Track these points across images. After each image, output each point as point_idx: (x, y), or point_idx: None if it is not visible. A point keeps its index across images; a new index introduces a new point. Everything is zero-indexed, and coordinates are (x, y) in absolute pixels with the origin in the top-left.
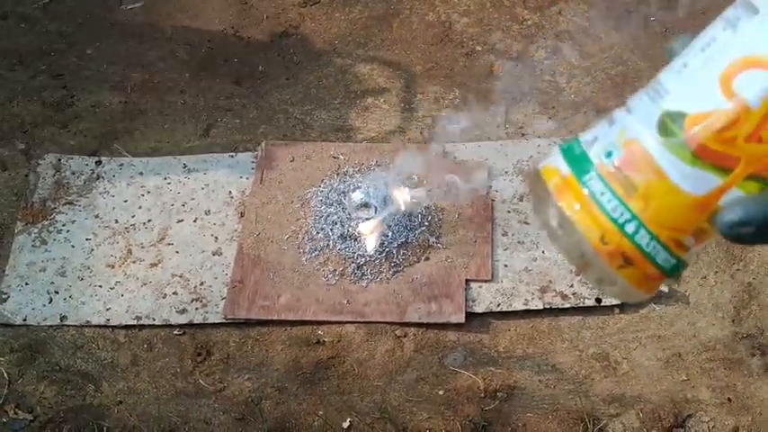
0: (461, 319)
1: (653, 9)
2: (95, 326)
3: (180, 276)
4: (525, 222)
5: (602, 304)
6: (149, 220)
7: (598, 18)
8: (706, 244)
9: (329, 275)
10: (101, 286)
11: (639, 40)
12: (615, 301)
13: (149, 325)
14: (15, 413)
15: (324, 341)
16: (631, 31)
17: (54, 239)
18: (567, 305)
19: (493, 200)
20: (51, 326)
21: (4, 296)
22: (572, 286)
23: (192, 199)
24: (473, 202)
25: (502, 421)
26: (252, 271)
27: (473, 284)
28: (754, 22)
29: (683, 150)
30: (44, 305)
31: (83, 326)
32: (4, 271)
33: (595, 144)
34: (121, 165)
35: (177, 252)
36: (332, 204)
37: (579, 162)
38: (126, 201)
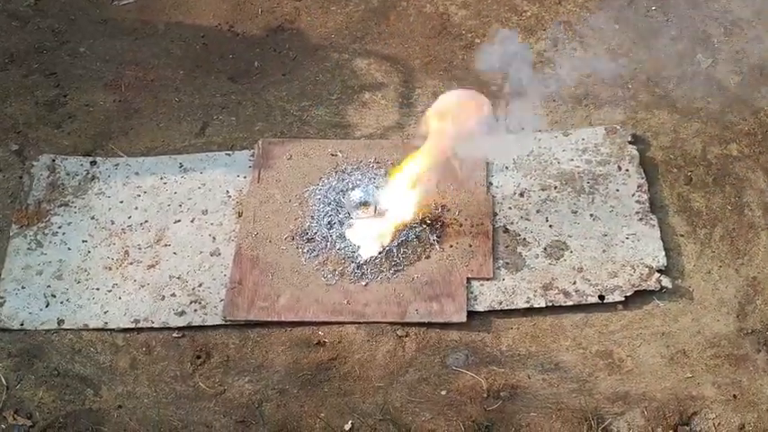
0: (463, 318)
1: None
2: (93, 329)
3: (178, 278)
4: (527, 218)
5: (605, 301)
6: (146, 221)
7: (598, 8)
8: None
9: (329, 275)
10: (98, 289)
11: (640, 31)
12: (618, 298)
13: (148, 328)
14: (14, 419)
15: (324, 342)
16: (632, 21)
17: (50, 242)
18: (570, 302)
19: (493, 196)
20: (49, 330)
21: (0, 300)
22: (575, 283)
23: (189, 199)
24: (473, 199)
25: (505, 421)
26: (251, 272)
27: (474, 283)
28: None
29: None
30: (41, 309)
31: (81, 329)
32: None
33: None
34: (117, 165)
35: (175, 253)
36: (331, 203)
37: None
38: (122, 201)
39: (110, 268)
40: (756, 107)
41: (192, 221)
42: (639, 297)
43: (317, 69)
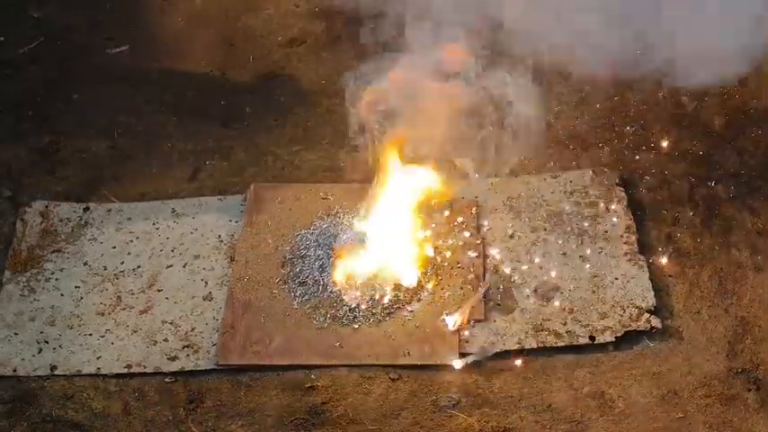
0: (455, 359)
1: (639, 45)
2: (86, 375)
3: (170, 323)
4: (517, 260)
5: (596, 342)
6: (138, 267)
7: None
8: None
9: (321, 319)
10: (91, 335)
11: (625, 72)
12: (609, 339)
13: (140, 373)
14: None
15: (317, 386)
16: (617, 63)
17: (43, 288)
18: (561, 343)
19: (484, 238)
20: (41, 376)
21: None
22: (565, 324)
23: (182, 244)
24: (464, 241)
25: None
26: (243, 316)
27: None
28: None
29: None
30: (33, 355)
31: (73, 375)
32: None
33: None
34: (109, 210)
35: (167, 298)
36: (322, 247)
37: None
38: (114, 247)
39: (102, 314)
40: (741, 148)
41: (184, 266)
42: (630, 337)
43: (307, 115)
